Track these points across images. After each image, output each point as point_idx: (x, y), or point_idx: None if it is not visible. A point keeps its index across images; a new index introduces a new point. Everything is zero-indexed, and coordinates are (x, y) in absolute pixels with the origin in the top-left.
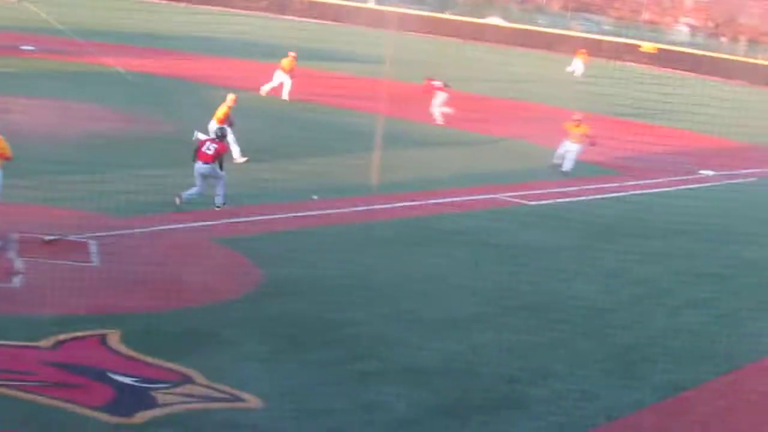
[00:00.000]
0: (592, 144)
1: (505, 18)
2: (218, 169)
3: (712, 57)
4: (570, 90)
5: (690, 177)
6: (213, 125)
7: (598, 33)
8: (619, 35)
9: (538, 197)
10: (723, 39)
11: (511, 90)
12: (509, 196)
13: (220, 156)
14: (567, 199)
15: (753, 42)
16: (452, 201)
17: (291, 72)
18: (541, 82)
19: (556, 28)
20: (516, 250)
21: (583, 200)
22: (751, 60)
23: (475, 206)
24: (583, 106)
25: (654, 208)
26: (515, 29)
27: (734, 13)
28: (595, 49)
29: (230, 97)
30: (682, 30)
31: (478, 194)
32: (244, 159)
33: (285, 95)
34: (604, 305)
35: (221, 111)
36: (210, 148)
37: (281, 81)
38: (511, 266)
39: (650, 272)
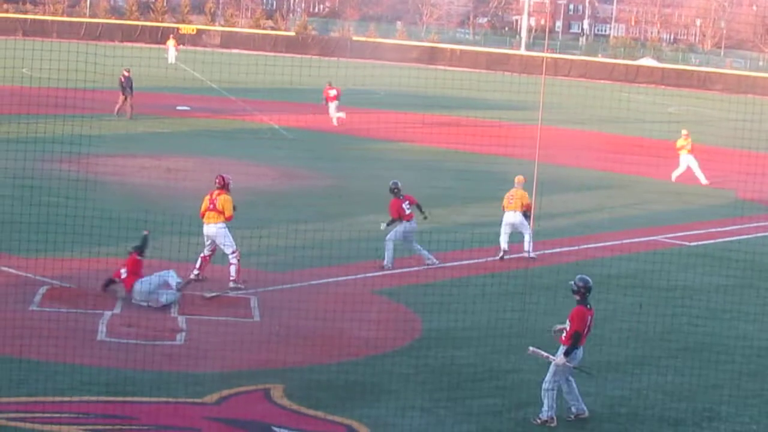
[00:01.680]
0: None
1: (657, 59)
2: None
3: None
4: (724, 128)
5: None
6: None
7: (753, 70)
8: None
9: (698, 238)
10: None
11: (667, 131)
12: (668, 238)
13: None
14: (727, 239)
15: None
16: (611, 245)
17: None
18: (697, 122)
19: (710, 66)
20: (676, 292)
21: (744, 239)
22: None
23: (634, 249)
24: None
25: None
26: (668, 69)
27: None
28: (750, 86)
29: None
30: None
31: (637, 237)
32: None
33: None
34: (766, 345)
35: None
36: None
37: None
38: (671, 308)
39: None
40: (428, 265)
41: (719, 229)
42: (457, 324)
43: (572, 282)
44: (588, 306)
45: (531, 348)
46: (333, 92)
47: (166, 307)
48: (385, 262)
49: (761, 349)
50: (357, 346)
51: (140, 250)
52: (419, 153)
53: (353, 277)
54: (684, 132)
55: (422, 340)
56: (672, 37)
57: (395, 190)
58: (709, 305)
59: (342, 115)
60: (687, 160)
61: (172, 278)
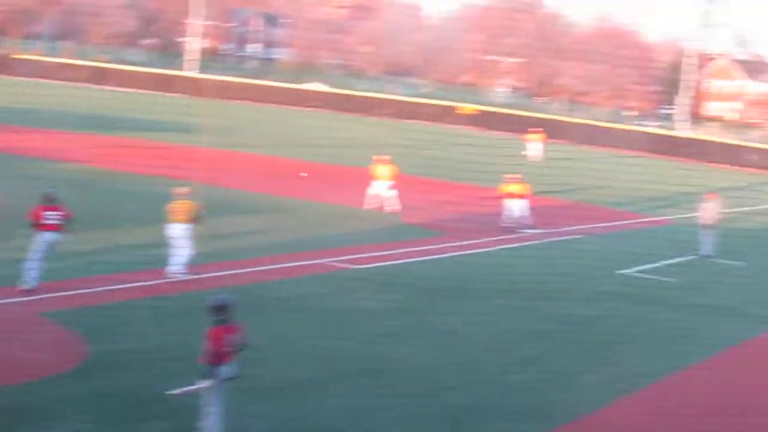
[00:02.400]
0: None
1: (325, 84)
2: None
3: (531, 117)
4: (391, 152)
5: (513, 236)
6: None
7: (416, 96)
8: (438, 98)
9: (364, 261)
10: (542, 99)
11: (334, 155)
12: (335, 261)
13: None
14: (392, 262)
15: (572, 102)
16: (278, 268)
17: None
18: (361, 146)
19: (375, 92)
20: (343, 315)
21: (408, 262)
22: (570, 119)
23: (301, 272)
24: (405, 168)
25: (478, 268)
26: (335, 94)
27: (551, 74)
28: (412, 112)
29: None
30: (501, 91)
31: (304, 260)
32: None
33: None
34: (433, 366)
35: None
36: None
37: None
38: (339, 331)
39: (477, 332)
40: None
41: (384, 253)
42: (125, 346)
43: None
44: (227, 325)
45: (178, 390)
46: None
47: None
48: (28, 283)
49: (422, 370)
50: (23, 369)
51: None
52: (83, 173)
53: (18, 300)
54: (380, 157)
55: (87, 365)
56: (340, 62)
57: (47, 199)
58: (375, 328)
59: None
60: (380, 186)
61: None
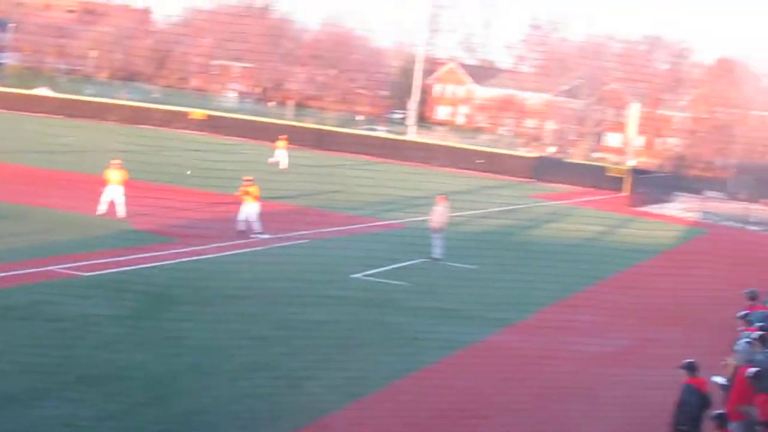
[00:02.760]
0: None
1: (53, 89)
2: None
3: (260, 122)
4: (123, 158)
5: (245, 242)
6: None
7: (147, 101)
8: (169, 103)
9: (93, 268)
10: (271, 103)
11: (62, 161)
12: (63, 268)
13: None
14: (123, 268)
15: (300, 106)
16: (4, 276)
17: None
18: (92, 152)
19: (105, 97)
20: (72, 323)
21: (140, 268)
22: (299, 123)
23: (29, 280)
24: (136, 174)
25: (210, 274)
26: (64, 100)
27: (281, 78)
28: (144, 117)
29: None
30: (230, 96)
31: (33, 267)
32: None
33: None
34: (164, 373)
35: None
36: None
37: None
38: (67, 339)
39: (208, 338)
40: None
41: (115, 259)
42: None
43: None
44: None
45: None
46: None
47: None
48: None
49: (152, 377)
50: None
51: None
52: None
53: None
54: (113, 162)
55: None
56: (68, 67)
57: None
58: (104, 336)
59: None
60: (114, 191)
61: None
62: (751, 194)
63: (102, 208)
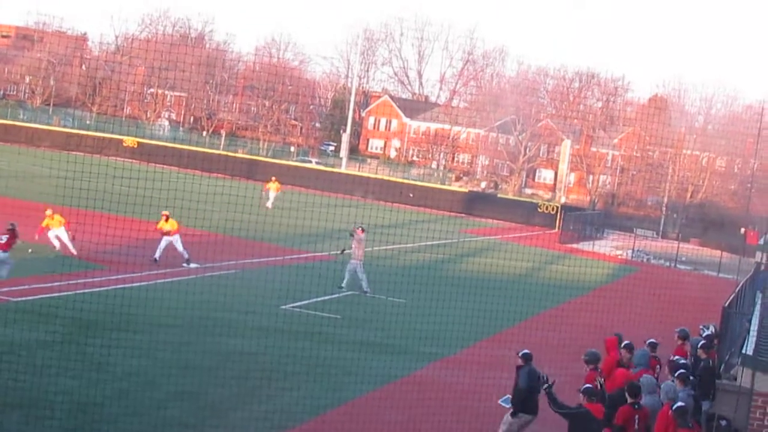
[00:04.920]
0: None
1: None
2: None
3: (192, 150)
4: (48, 185)
5: (173, 270)
6: None
7: (80, 128)
8: (103, 130)
9: (22, 293)
10: (204, 133)
11: None
12: None
13: None
14: (52, 295)
15: (233, 135)
16: None
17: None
18: (24, 178)
19: (38, 123)
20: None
21: (68, 295)
22: (230, 153)
23: None
24: (65, 201)
25: (138, 301)
26: None
27: (214, 108)
28: (77, 144)
29: None
30: (163, 124)
31: None
32: None
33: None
34: (90, 400)
35: None
36: None
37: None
38: None
39: (136, 365)
40: None
41: (43, 285)
42: None
43: None
44: None
45: None
46: None
47: None
48: None
49: (82, 404)
50: None
51: None
52: None
53: None
54: (48, 212)
55: None
56: (2, 92)
57: None
58: (32, 361)
59: None
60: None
61: None
62: (681, 233)
63: (38, 235)
